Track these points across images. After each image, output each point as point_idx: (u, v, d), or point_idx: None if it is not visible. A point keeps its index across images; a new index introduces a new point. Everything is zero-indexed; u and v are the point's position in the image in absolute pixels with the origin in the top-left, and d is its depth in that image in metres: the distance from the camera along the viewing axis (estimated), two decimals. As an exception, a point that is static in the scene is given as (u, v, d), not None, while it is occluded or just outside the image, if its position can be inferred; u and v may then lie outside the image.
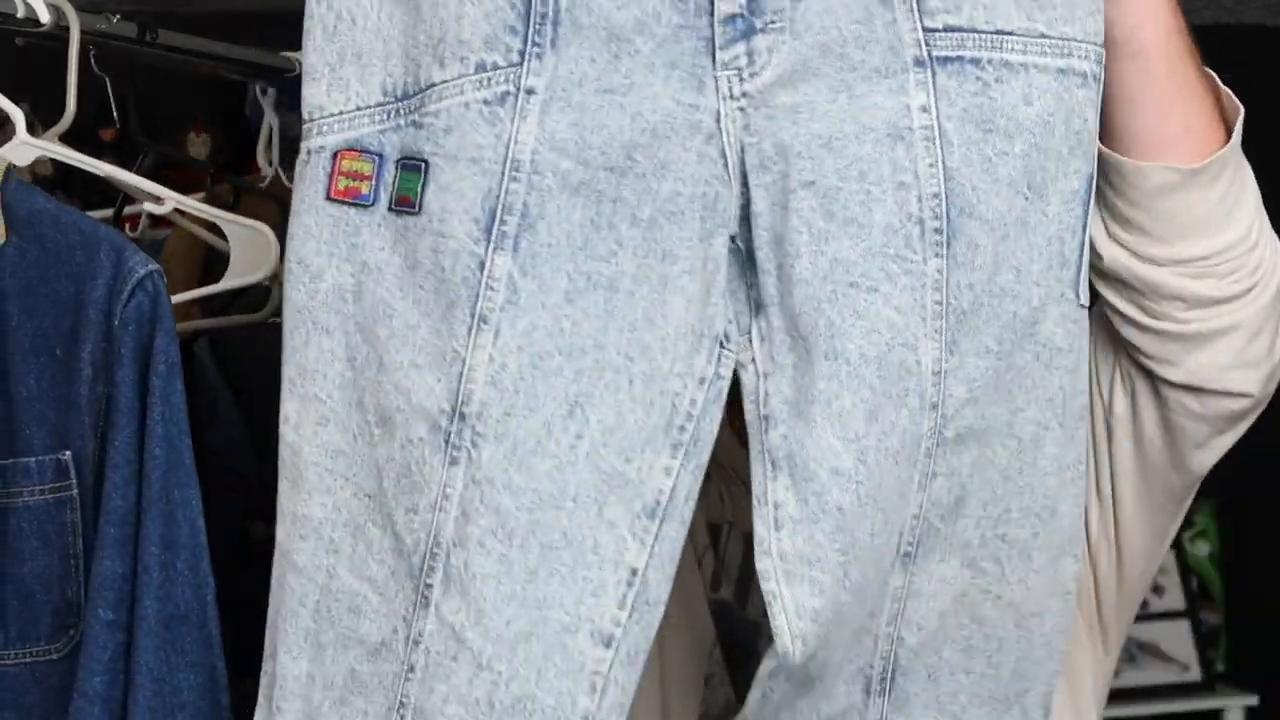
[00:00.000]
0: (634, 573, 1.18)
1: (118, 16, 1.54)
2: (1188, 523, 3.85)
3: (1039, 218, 1.19)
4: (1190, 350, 1.32)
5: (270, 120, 1.78)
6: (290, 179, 1.79)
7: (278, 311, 1.62)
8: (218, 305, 1.69)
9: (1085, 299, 1.23)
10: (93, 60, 1.56)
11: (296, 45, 1.80)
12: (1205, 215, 1.29)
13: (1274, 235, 1.34)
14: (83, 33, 1.47)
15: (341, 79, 1.20)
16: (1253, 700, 3.69)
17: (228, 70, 1.72)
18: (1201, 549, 3.86)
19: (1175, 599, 3.74)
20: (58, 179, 1.91)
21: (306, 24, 1.21)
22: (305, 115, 1.21)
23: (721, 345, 1.19)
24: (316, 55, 1.21)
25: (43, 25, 1.44)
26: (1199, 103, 1.30)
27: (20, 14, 1.42)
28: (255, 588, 1.40)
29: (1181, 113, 1.29)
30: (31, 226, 1.37)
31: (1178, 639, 3.70)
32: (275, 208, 1.66)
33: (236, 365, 1.79)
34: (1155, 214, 1.29)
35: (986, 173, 1.18)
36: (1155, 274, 1.29)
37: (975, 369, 1.19)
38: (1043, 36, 1.18)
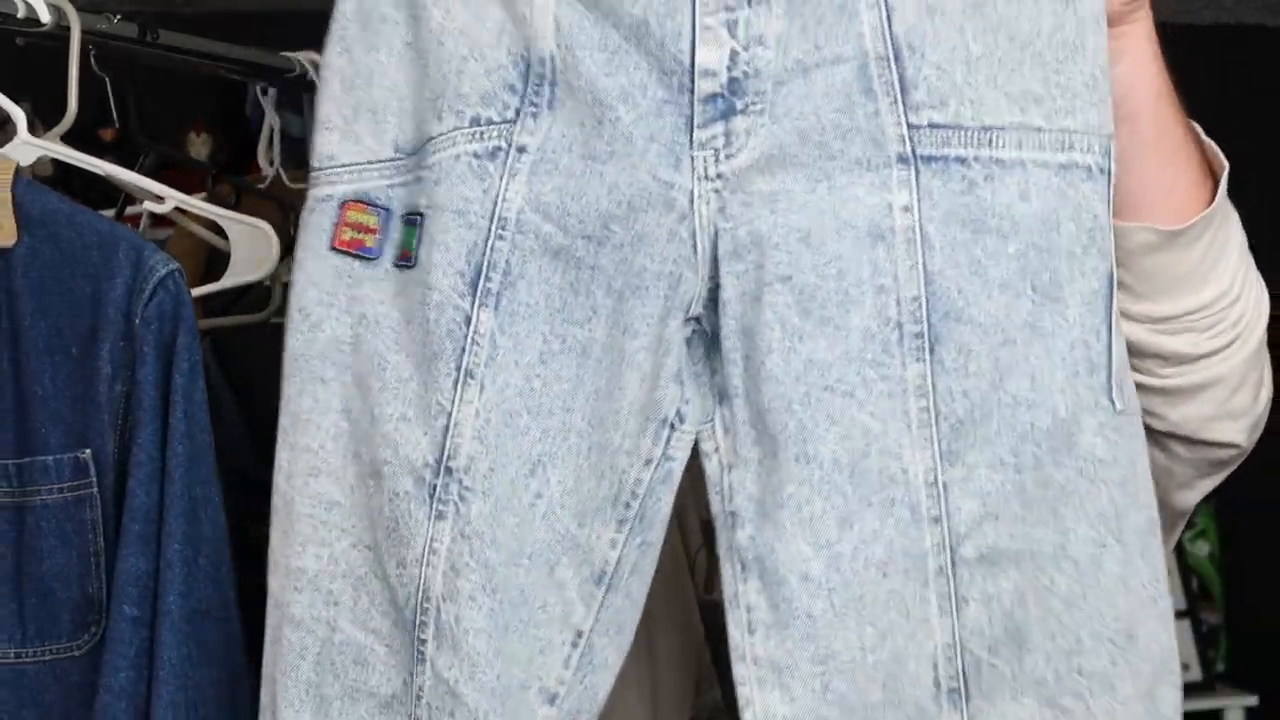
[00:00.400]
0: (579, 635, 1.18)
1: (118, 16, 1.54)
2: (1188, 523, 3.85)
3: (1056, 322, 1.14)
4: (1173, 404, 1.29)
5: (271, 120, 1.78)
6: (291, 179, 1.79)
7: (279, 311, 1.62)
8: (219, 305, 1.70)
9: (1126, 405, 1.17)
10: (93, 60, 1.56)
11: (296, 45, 1.81)
12: (1185, 274, 1.27)
13: (1259, 281, 1.31)
14: (83, 33, 1.47)
15: (354, 132, 1.19)
16: (1252, 700, 3.69)
17: (228, 70, 1.72)
18: (1201, 549, 3.86)
19: (1175, 599, 3.72)
20: (58, 179, 1.91)
21: (324, 73, 1.21)
22: (315, 164, 1.21)
23: (672, 428, 1.18)
24: (332, 105, 1.20)
25: (43, 25, 1.44)
26: (1184, 163, 1.27)
27: (21, 14, 1.42)
28: (254, 588, 1.40)
29: (1167, 175, 1.26)
30: (44, 226, 1.37)
31: (1178, 639, 3.70)
32: (276, 208, 1.66)
33: (237, 365, 1.79)
34: (1135, 272, 1.26)
35: (975, 274, 1.13)
36: (1133, 331, 1.26)
37: (990, 483, 1.14)
38: (1039, 131, 1.14)
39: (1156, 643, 1.20)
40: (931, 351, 1.14)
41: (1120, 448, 1.16)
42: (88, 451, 1.36)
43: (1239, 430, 1.31)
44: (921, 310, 1.14)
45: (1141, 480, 1.18)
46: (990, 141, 1.14)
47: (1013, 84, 1.14)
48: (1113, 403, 1.16)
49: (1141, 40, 1.25)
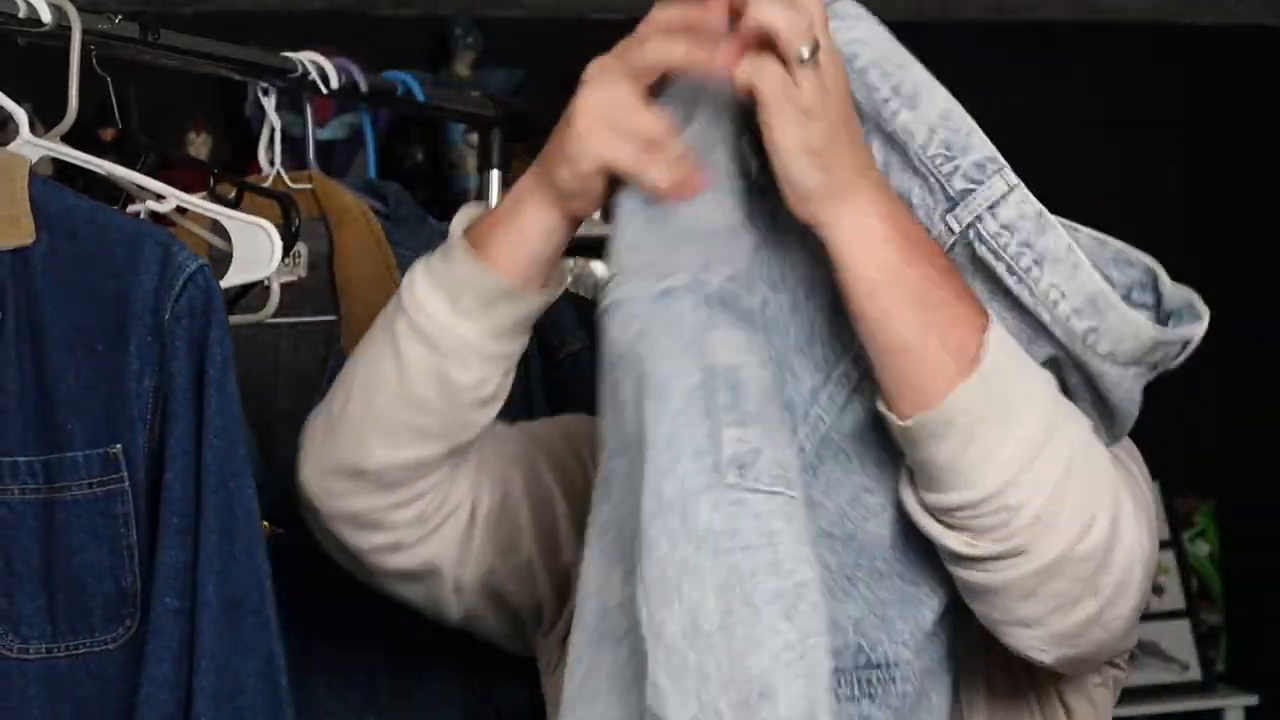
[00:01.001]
0: None
1: (119, 17, 1.54)
2: (1188, 523, 3.86)
3: (658, 417, 1.21)
4: (968, 596, 1.26)
5: (271, 120, 1.78)
6: (291, 179, 1.79)
7: (278, 311, 1.62)
8: (219, 305, 1.69)
9: (744, 479, 1.20)
10: (93, 60, 1.56)
11: (296, 45, 1.81)
12: (943, 468, 1.21)
13: (1081, 486, 1.21)
14: (84, 33, 1.47)
15: None
16: (1252, 700, 3.69)
17: (228, 70, 1.72)
18: (1201, 549, 3.86)
19: (1175, 599, 3.74)
20: (57, 179, 1.90)
21: None
22: None
23: None
24: None
25: (44, 25, 1.44)
26: (921, 354, 1.20)
27: (22, 14, 1.42)
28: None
29: (896, 364, 1.21)
30: (64, 224, 1.38)
31: (1178, 639, 3.70)
32: (277, 207, 1.66)
33: (237, 365, 1.79)
34: (906, 456, 1.24)
35: (611, 408, 1.26)
36: (918, 516, 1.24)
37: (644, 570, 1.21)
38: (641, 271, 1.24)
39: (802, 699, 1.18)
40: (609, 489, 1.27)
41: (741, 519, 1.19)
42: (118, 446, 1.36)
43: (1037, 641, 1.25)
44: (604, 456, 1.27)
45: (783, 547, 1.19)
46: (609, 293, 1.25)
47: (617, 242, 1.26)
48: (722, 479, 1.19)
49: (844, 224, 1.21)
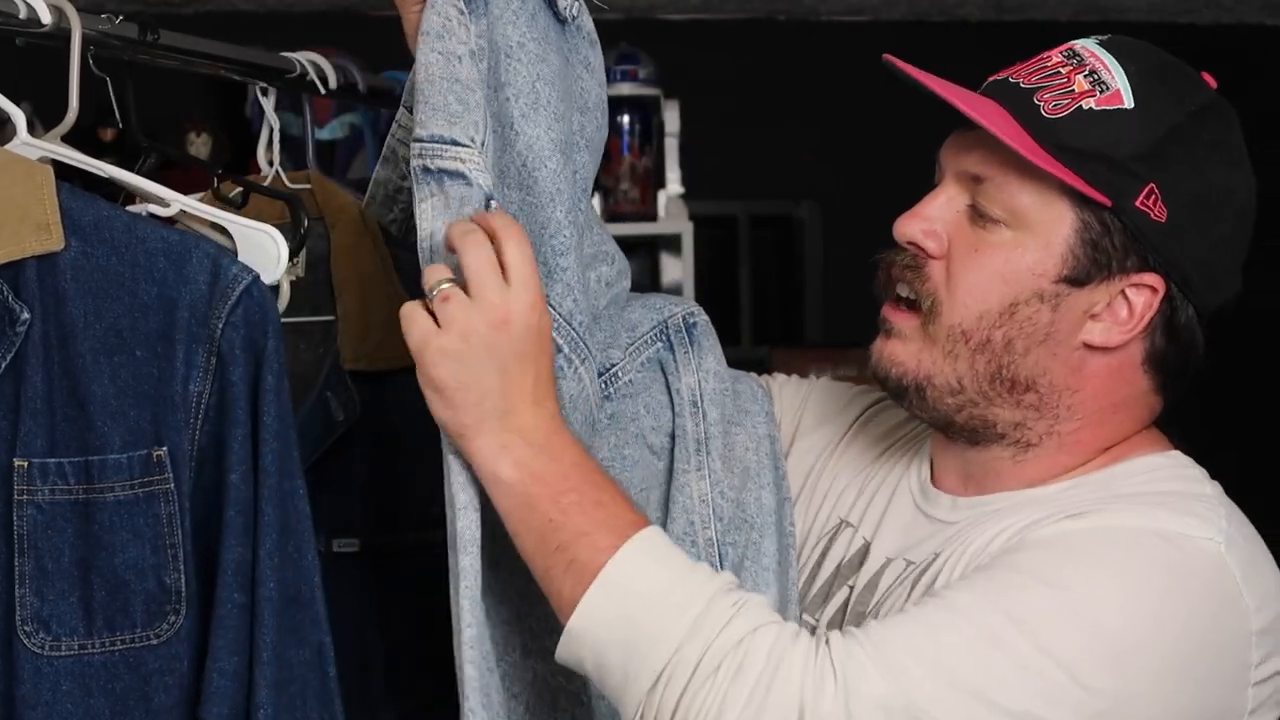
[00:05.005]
0: None
1: (119, 17, 1.54)
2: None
3: None
4: None
5: (270, 120, 1.78)
6: (290, 179, 1.79)
7: (285, 312, 1.61)
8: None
9: None
10: (91, 61, 1.56)
11: (296, 45, 1.81)
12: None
13: None
14: (84, 33, 1.47)
15: None
16: (1253, 700, 3.68)
17: (228, 70, 1.72)
18: (1201, 549, 3.85)
19: (1175, 598, 3.72)
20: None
21: None
22: None
23: None
24: None
25: (44, 26, 1.44)
26: (549, 585, 1.35)
27: (22, 15, 1.42)
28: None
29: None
30: (98, 233, 1.40)
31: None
32: (279, 208, 1.65)
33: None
34: None
35: None
36: None
37: None
38: None
39: None
40: None
41: None
42: (164, 449, 1.40)
43: None
44: None
45: None
46: None
47: None
48: None
49: (477, 464, 1.37)
